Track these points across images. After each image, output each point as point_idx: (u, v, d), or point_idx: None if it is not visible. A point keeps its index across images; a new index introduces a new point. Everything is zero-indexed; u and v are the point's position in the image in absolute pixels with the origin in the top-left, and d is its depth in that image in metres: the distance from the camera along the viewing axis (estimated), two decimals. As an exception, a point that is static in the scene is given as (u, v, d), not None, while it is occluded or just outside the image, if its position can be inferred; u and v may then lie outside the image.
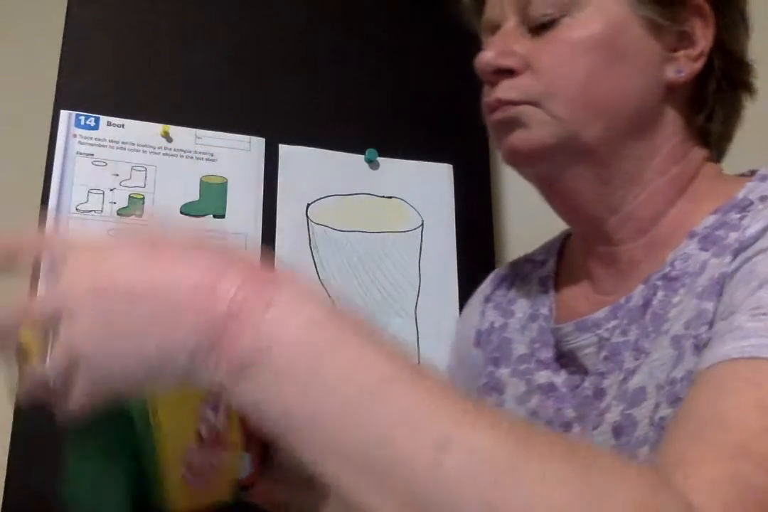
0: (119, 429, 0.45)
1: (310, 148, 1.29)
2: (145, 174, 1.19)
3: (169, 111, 1.23)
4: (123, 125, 1.20)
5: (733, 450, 0.41)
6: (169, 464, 0.47)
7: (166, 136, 1.21)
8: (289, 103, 1.31)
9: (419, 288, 1.28)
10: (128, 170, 1.18)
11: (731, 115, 0.65)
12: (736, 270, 0.52)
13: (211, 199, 1.21)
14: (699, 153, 0.63)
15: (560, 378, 0.64)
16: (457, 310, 1.28)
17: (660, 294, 0.58)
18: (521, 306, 0.73)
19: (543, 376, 0.66)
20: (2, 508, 1.03)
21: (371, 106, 1.36)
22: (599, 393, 0.60)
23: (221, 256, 0.40)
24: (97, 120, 1.18)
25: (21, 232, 0.42)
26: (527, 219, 1.53)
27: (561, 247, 0.74)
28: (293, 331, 0.37)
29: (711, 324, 0.52)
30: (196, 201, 1.20)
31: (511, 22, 0.62)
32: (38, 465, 1.01)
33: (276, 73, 1.32)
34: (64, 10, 1.22)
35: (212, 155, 1.24)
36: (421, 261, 1.30)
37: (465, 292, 1.30)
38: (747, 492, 0.40)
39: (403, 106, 1.38)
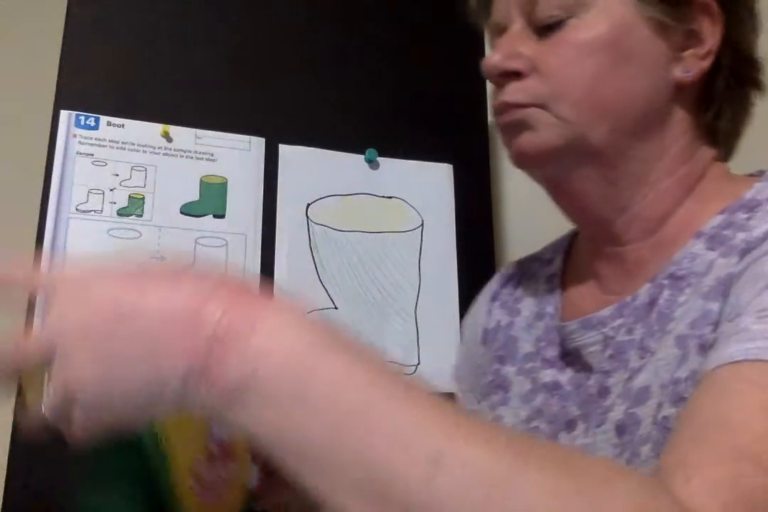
0: (130, 451, 0.46)
1: (310, 148, 1.29)
2: (145, 174, 1.19)
3: (169, 111, 1.23)
4: (123, 125, 1.20)
5: (736, 452, 0.41)
6: (181, 481, 0.47)
7: (166, 136, 1.21)
8: (289, 103, 1.31)
9: (419, 288, 1.28)
10: (128, 170, 1.18)
11: (740, 113, 0.64)
12: (743, 271, 0.52)
13: (211, 199, 1.21)
14: (707, 152, 0.63)
15: (565, 376, 0.64)
16: (457, 310, 1.28)
17: (666, 293, 0.58)
18: (527, 305, 0.73)
19: (548, 375, 0.66)
20: (2, 508, 1.03)
21: (371, 106, 1.36)
22: (604, 391, 0.60)
23: (206, 280, 0.39)
24: (97, 120, 1.19)
25: (11, 267, 0.42)
26: (527, 219, 1.53)
27: (568, 245, 0.74)
28: (278, 355, 0.37)
29: (716, 324, 0.52)
30: (196, 201, 1.20)
31: (517, 25, 0.62)
32: (38, 465, 1.02)
33: (276, 73, 1.32)
34: (64, 10, 1.22)
35: (212, 155, 1.24)
36: (421, 261, 1.30)
37: (465, 292, 1.30)
38: (748, 494, 0.40)
39: (403, 106, 1.38)
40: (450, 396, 1.21)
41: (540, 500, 0.34)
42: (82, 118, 1.18)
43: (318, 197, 1.28)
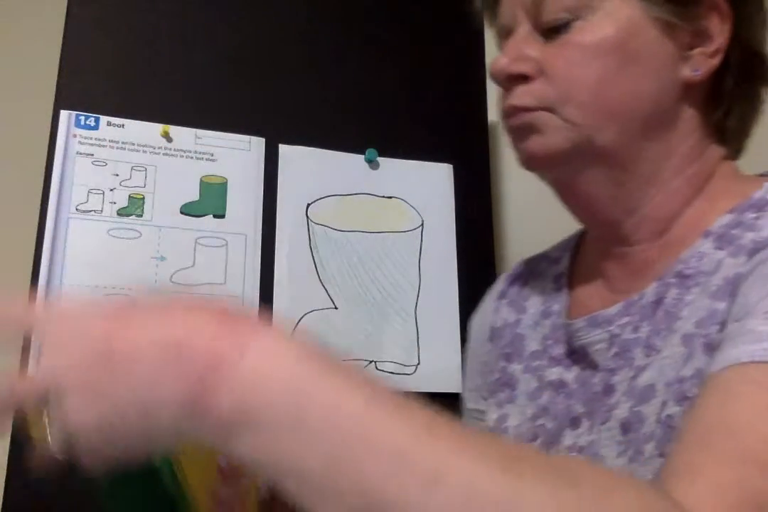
0: (145, 478, 0.46)
1: (310, 148, 1.29)
2: (145, 174, 1.19)
3: (169, 111, 1.23)
4: (123, 125, 1.20)
5: (742, 454, 0.41)
6: (200, 503, 0.47)
7: (166, 136, 1.21)
8: (289, 103, 1.31)
9: (419, 288, 1.28)
10: (128, 170, 1.18)
11: (749, 111, 0.64)
12: (751, 271, 0.52)
13: (211, 199, 1.21)
14: (716, 151, 0.63)
15: (571, 374, 0.64)
16: (458, 310, 1.28)
17: (673, 292, 0.58)
18: (534, 303, 0.73)
19: (555, 373, 0.66)
20: (2, 508, 1.03)
21: (371, 106, 1.36)
22: (609, 389, 0.60)
23: (194, 311, 0.39)
24: (97, 120, 1.19)
25: (6, 304, 0.43)
26: (527, 219, 1.53)
27: (576, 244, 0.75)
28: (271, 382, 0.37)
29: (722, 324, 0.52)
30: (196, 201, 1.20)
31: (523, 27, 0.61)
32: (38, 466, 1.01)
33: (276, 73, 1.32)
34: (64, 10, 1.22)
35: (212, 155, 1.24)
36: (421, 261, 1.30)
37: (465, 292, 1.30)
38: (754, 496, 0.40)
39: (403, 106, 1.38)
40: (450, 396, 1.21)
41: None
42: (82, 118, 1.18)
43: (318, 197, 1.28)
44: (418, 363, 1.23)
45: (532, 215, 1.52)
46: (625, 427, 0.56)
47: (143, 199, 1.18)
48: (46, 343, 0.40)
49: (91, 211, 1.14)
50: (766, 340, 0.45)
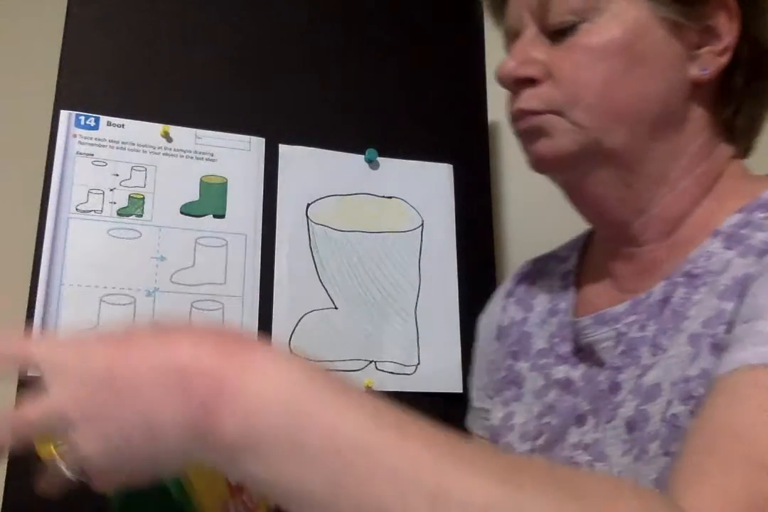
0: (157, 498, 0.46)
1: (310, 148, 1.29)
2: (145, 174, 1.19)
3: (169, 111, 1.23)
4: (123, 125, 1.20)
5: (748, 458, 0.41)
6: None
7: (166, 136, 1.21)
8: (289, 103, 1.31)
9: (419, 288, 1.28)
10: (128, 170, 1.18)
11: (759, 108, 0.64)
12: (761, 272, 0.51)
13: (211, 199, 1.21)
14: (725, 150, 0.63)
15: (578, 372, 0.64)
16: (458, 310, 1.28)
17: (681, 291, 0.58)
18: (541, 301, 0.73)
19: (561, 371, 0.66)
20: (2, 508, 1.03)
21: (371, 106, 1.36)
22: (614, 387, 0.60)
23: (192, 336, 0.40)
24: (97, 120, 1.18)
25: (4, 340, 0.43)
26: (527, 219, 1.53)
27: (584, 243, 0.75)
28: (272, 404, 0.37)
29: (729, 324, 0.52)
30: (196, 201, 1.20)
31: (530, 30, 0.61)
32: (38, 465, 1.01)
33: (276, 73, 1.32)
34: (64, 10, 1.22)
35: (212, 155, 1.24)
36: (421, 261, 1.30)
37: (465, 292, 1.30)
38: (760, 500, 0.39)
39: (403, 106, 1.38)
40: (450, 396, 1.21)
41: None
42: (82, 118, 1.18)
43: (318, 197, 1.28)
44: (418, 363, 1.23)
45: (532, 215, 1.52)
46: (631, 426, 0.56)
47: (143, 199, 1.18)
48: (47, 373, 0.40)
49: (91, 211, 1.14)
50: None
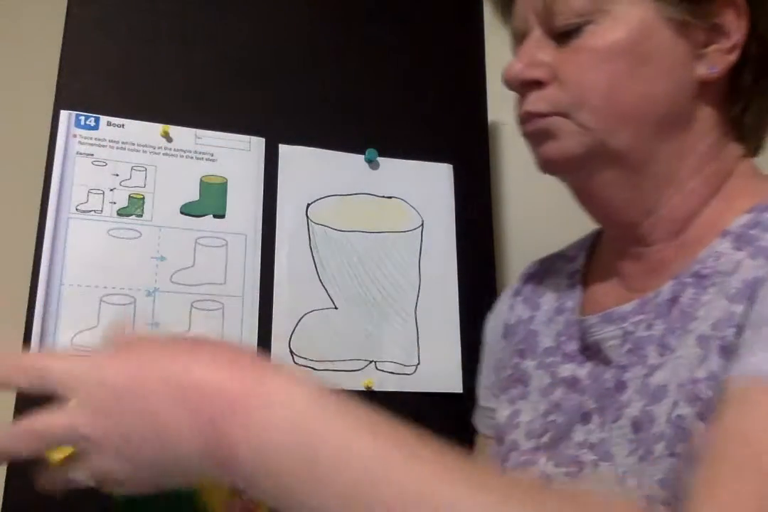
0: (169, 502, 0.46)
1: (310, 148, 1.29)
2: (145, 174, 1.19)
3: (169, 111, 1.23)
4: (123, 125, 1.20)
5: (759, 465, 0.41)
6: None
7: (166, 136, 1.21)
8: (289, 103, 1.31)
9: (419, 288, 1.28)
10: (128, 170, 1.18)
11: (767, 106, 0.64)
12: None
13: (211, 199, 1.21)
14: (734, 149, 0.62)
15: (584, 370, 0.64)
16: (458, 310, 1.28)
17: (690, 291, 0.58)
18: (548, 299, 0.73)
19: (568, 369, 0.66)
20: (2, 508, 1.03)
21: (371, 106, 1.36)
22: (620, 385, 0.60)
23: (202, 352, 0.40)
24: (97, 120, 1.18)
25: (11, 357, 0.43)
26: (527, 219, 1.53)
27: (592, 242, 0.75)
28: (284, 424, 0.37)
29: (739, 326, 0.51)
30: (196, 201, 1.20)
31: (536, 31, 0.61)
32: (38, 465, 1.01)
33: (276, 73, 1.32)
34: (64, 10, 1.22)
35: (212, 155, 1.24)
36: (421, 261, 1.30)
37: (465, 292, 1.30)
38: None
39: (403, 106, 1.38)
40: (450, 396, 1.21)
41: None
42: (82, 118, 1.18)
43: (318, 197, 1.28)
44: (418, 363, 1.23)
45: (532, 215, 1.52)
46: (636, 426, 0.56)
47: (143, 199, 1.18)
48: (65, 389, 0.41)
49: (91, 211, 1.14)
50: None
